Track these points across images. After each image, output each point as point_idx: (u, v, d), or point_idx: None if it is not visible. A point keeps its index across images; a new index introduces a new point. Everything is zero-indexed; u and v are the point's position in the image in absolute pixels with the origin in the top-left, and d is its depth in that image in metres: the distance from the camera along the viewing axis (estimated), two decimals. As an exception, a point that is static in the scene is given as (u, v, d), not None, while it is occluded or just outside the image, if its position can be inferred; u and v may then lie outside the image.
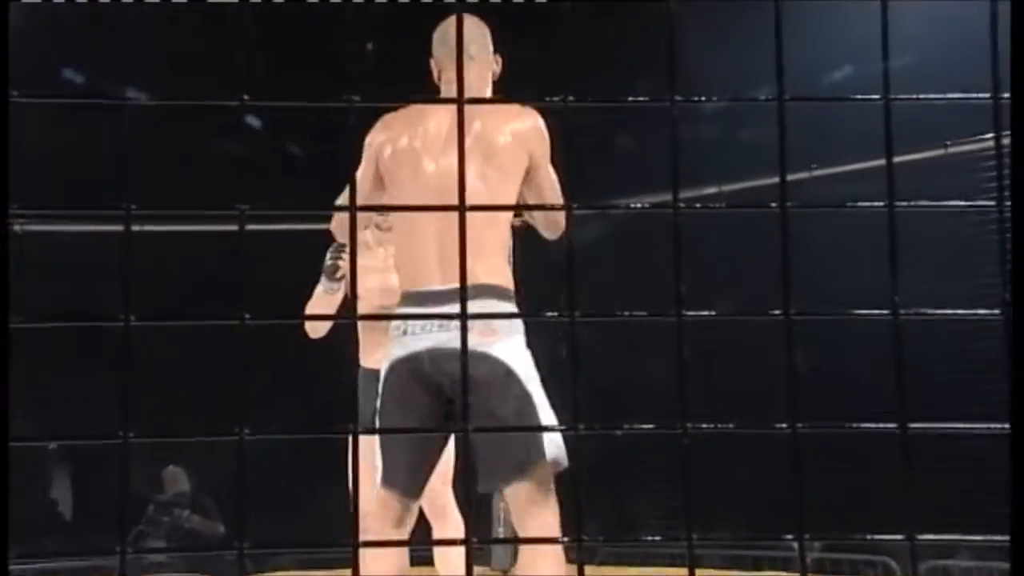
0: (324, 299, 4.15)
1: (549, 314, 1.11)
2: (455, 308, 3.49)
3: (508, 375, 3.12)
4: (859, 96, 1.16)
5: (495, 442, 3.09)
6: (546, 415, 3.15)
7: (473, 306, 3.06)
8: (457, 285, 3.16)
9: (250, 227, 1.14)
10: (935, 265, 5.71)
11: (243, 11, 1.10)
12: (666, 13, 1.13)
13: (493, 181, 3.21)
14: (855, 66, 6.58)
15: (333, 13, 6.31)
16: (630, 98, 1.11)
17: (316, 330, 4.29)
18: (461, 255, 1.28)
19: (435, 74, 3.45)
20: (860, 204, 1.14)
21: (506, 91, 3.49)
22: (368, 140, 3.39)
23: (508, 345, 3.16)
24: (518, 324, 3.23)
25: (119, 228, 1.13)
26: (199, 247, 7.12)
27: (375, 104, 1.14)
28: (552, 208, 3.37)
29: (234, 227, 1.16)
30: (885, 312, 1.06)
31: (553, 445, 3.13)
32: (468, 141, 3.25)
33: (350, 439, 4.14)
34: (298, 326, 4.37)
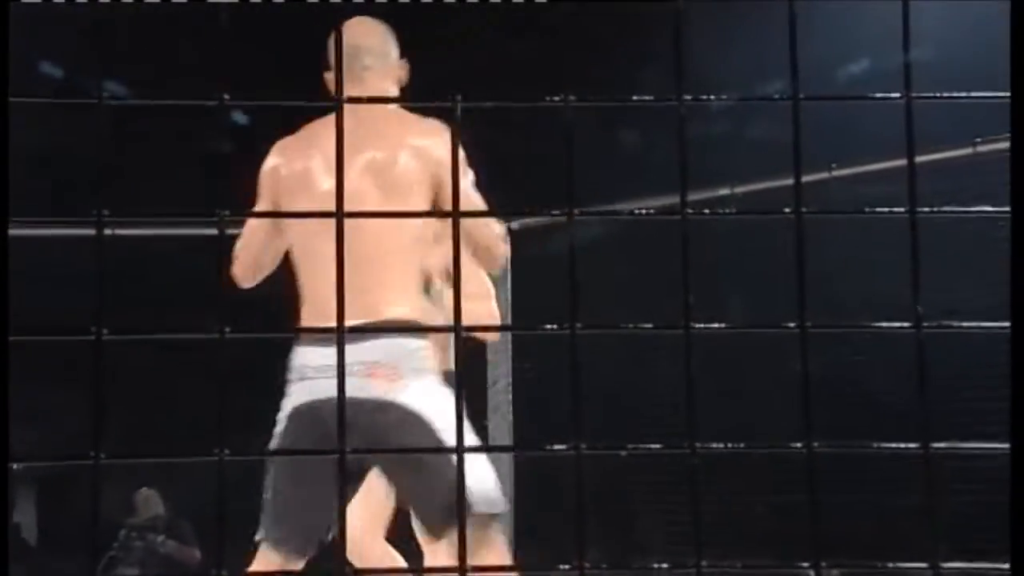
0: None
1: (548, 327, 1.12)
2: (362, 346, 3.37)
3: (417, 424, 2.99)
4: (879, 95, 1.17)
5: (418, 491, 2.99)
6: (472, 461, 2.99)
7: (375, 346, 2.97)
8: (363, 320, 3.01)
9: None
10: (961, 271, 5.71)
11: (224, 10, 1.11)
12: (674, 9, 1.13)
13: (395, 204, 3.07)
14: (872, 60, 6.58)
15: (332, 12, 6.33)
16: (635, 97, 1.12)
17: None
18: (455, 262, 1.29)
19: (331, 86, 3.39)
20: (879, 210, 1.15)
21: (506, 90, 3.48)
22: (262, 170, 3.30)
23: (417, 389, 3.03)
24: (428, 362, 3.09)
25: (93, 232, 1.14)
26: (183, 251, 7.13)
27: (361, 102, 1.15)
28: (474, 213, 3.19)
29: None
30: (907, 325, 1.07)
31: (480, 493, 3.02)
32: (363, 161, 3.14)
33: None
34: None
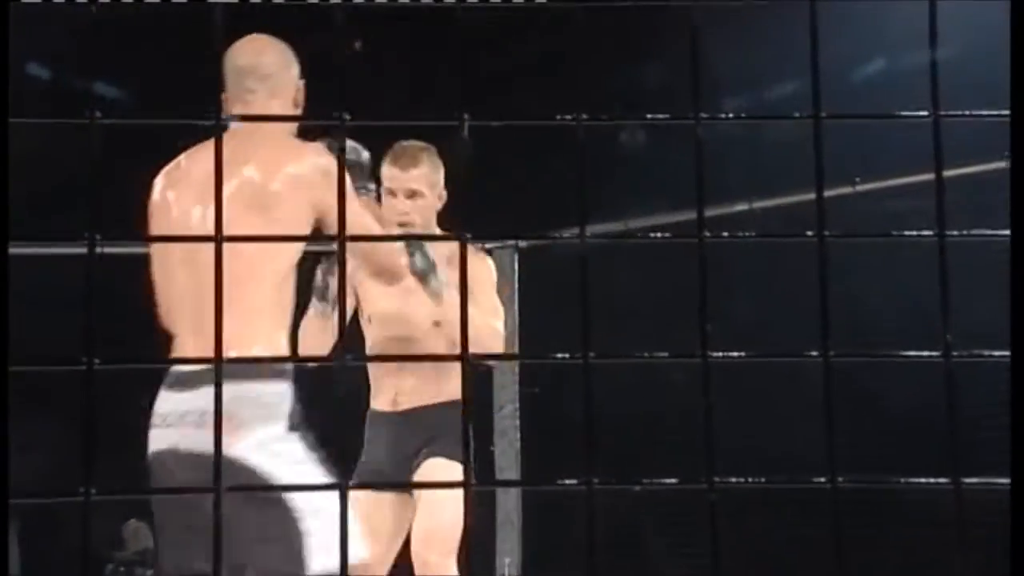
0: (316, 322, 4.09)
1: (560, 355, 1.12)
2: (209, 392, 3.32)
3: (249, 479, 2.83)
4: (904, 113, 1.18)
5: (251, 549, 2.83)
6: (314, 523, 2.86)
7: (225, 389, 2.88)
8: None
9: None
10: (991, 290, 5.70)
11: (217, 15, 1.12)
12: (689, 17, 1.14)
13: (270, 230, 2.96)
14: (889, 59, 6.57)
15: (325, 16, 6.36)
16: (649, 116, 1.13)
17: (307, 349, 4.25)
18: (462, 286, 1.29)
19: (226, 108, 3.29)
20: (907, 233, 1.15)
21: (511, 100, 3.47)
22: (151, 202, 3.26)
23: (257, 440, 2.89)
24: (279, 407, 2.94)
25: (83, 251, 1.14)
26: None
27: (364, 122, 1.15)
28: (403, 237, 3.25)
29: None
30: (935, 354, 1.07)
31: (323, 553, 2.85)
32: (231, 188, 2.98)
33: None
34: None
